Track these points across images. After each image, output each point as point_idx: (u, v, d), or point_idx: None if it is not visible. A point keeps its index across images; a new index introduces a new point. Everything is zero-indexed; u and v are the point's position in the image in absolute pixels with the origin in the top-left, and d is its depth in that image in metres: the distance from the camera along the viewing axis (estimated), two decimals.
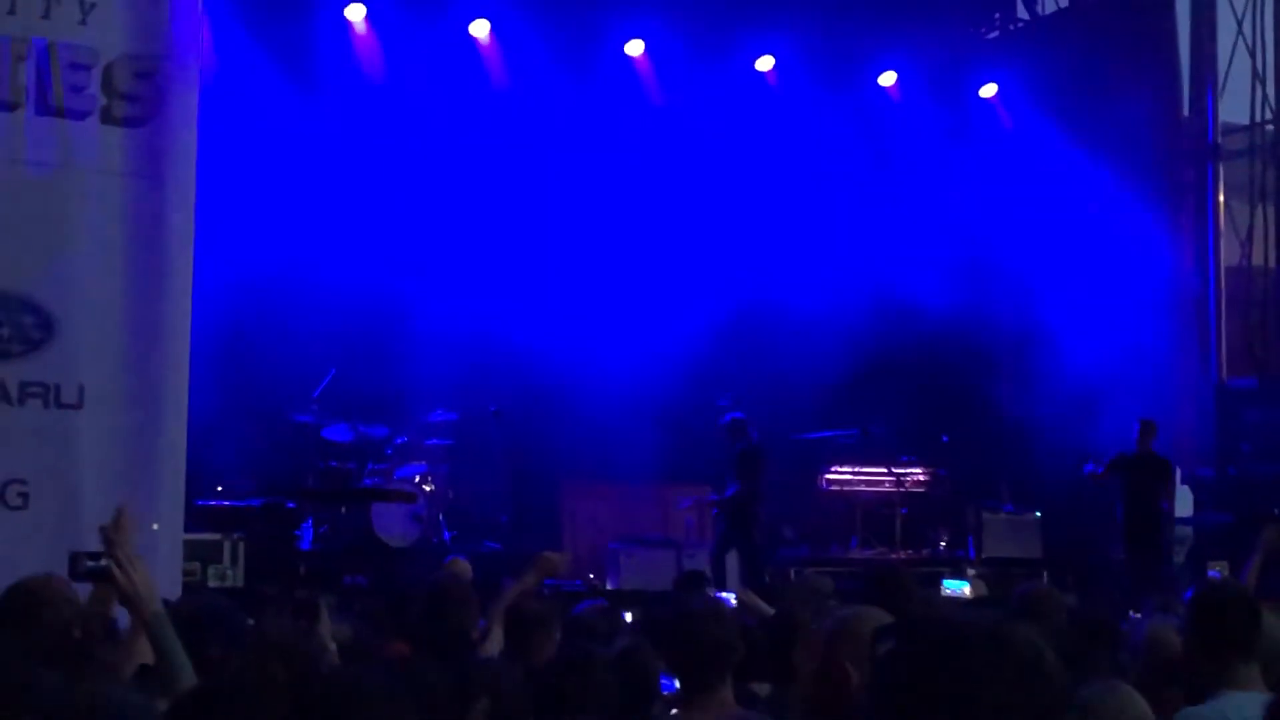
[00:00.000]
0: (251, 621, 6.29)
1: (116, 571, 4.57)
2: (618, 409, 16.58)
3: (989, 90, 18.84)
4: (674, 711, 5.34)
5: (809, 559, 16.53)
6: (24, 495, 9.47)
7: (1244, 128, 18.20)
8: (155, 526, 9.64)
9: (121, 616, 5.29)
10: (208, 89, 11.11)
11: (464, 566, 9.56)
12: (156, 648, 4.53)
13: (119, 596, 4.67)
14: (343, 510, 15.55)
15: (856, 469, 17.73)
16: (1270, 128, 17.95)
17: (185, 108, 10.25)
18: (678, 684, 5.40)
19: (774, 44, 18.01)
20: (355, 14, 16.71)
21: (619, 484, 17.04)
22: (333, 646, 7.01)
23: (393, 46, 16.83)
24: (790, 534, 17.74)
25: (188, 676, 4.44)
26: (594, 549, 16.19)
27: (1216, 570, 15.45)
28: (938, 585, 14.96)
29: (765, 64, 18.22)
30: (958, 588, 14.13)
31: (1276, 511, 15.56)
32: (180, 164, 10.16)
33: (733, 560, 15.27)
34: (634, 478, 17.00)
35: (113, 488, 9.26)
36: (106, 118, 9.94)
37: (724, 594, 10.97)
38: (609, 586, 15.24)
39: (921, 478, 17.72)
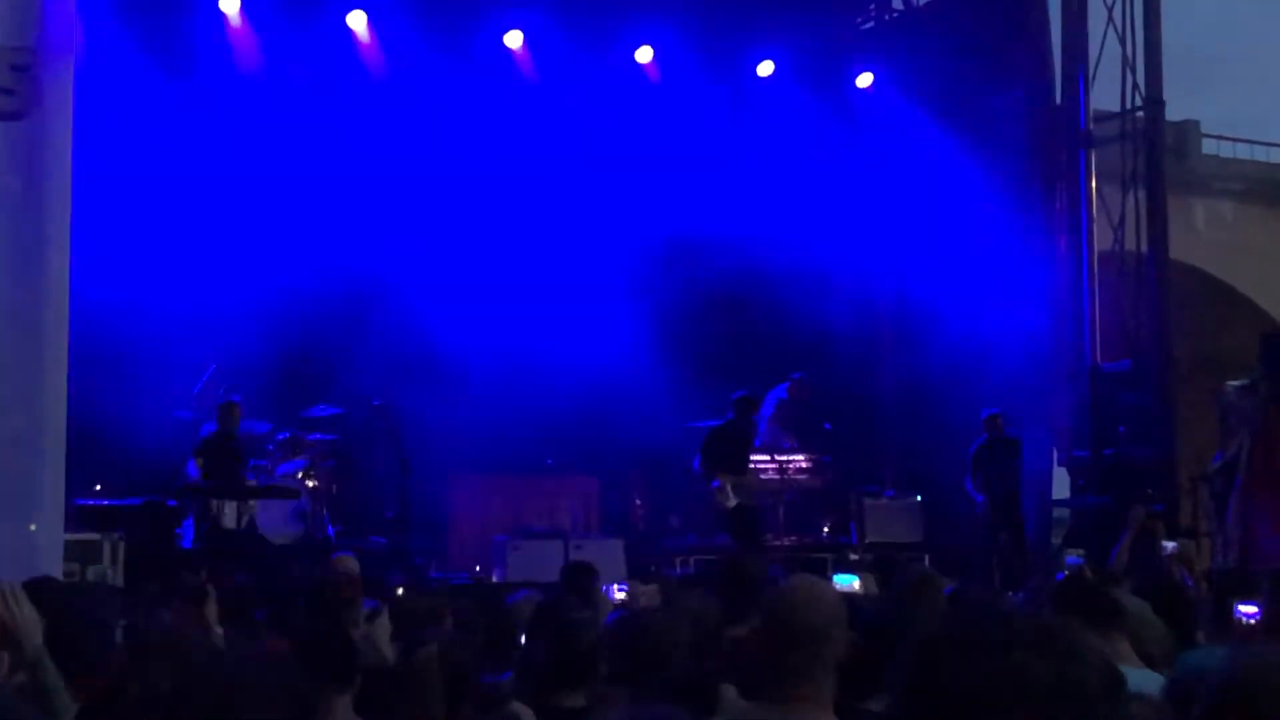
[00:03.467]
0: (123, 622, 6.25)
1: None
2: (502, 400, 16.56)
3: (865, 80, 19.01)
4: None
5: (695, 547, 16.60)
6: None
7: (1115, 115, 18.46)
8: (33, 527, 9.53)
9: None
10: (81, 83, 10.96)
11: (351, 563, 9.52)
12: (37, 683, 4.49)
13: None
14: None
15: None
16: (1141, 114, 18.23)
17: (60, 101, 10.13)
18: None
19: (652, 34, 18.06)
20: (230, 6, 16.53)
21: (505, 476, 17.04)
22: (219, 630, 7.01)
23: (269, 38, 16.66)
24: (676, 522, 17.84)
25: (65, 710, 4.41)
26: (481, 542, 16.16)
27: (1076, 556, 15.74)
28: (824, 572, 15.05)
29: (644, 55, 18.26)
30: (847, 582, 14.23)
31: (1150, 492, 15.88)
32: (56, 158, 10.04)
33: (616, 550, 15.30)
34: (520, 469, 17.01)
35: None
36: None
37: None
38: (495, 579, 15.22)
39: (804, 465, 17.81)
